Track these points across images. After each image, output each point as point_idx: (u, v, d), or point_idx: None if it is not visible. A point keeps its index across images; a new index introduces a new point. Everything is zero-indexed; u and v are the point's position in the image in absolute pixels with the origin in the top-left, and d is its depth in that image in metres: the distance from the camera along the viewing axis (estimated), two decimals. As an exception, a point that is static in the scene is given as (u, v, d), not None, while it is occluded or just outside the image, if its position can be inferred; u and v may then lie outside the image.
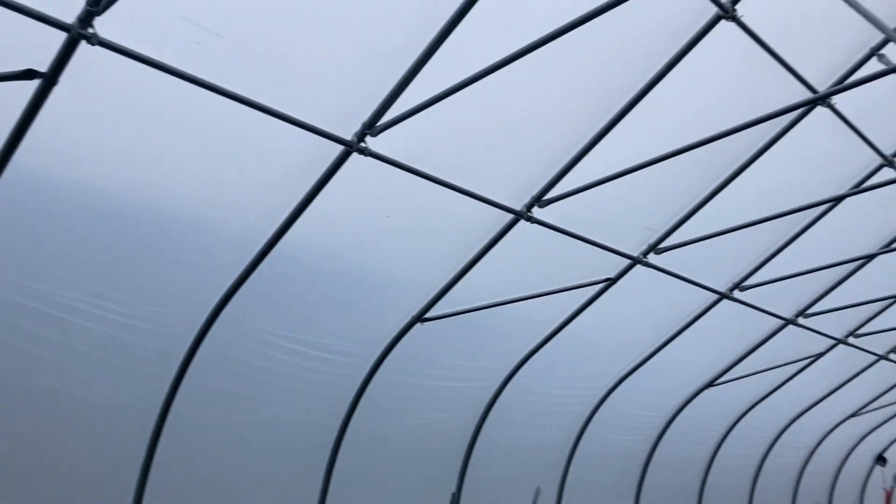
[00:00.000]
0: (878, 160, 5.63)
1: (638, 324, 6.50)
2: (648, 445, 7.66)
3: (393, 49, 3.57)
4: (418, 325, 5.14)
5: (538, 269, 5.44)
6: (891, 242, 6.84)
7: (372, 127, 3.68)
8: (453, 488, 6.16)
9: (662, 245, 5.43)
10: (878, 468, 12.00)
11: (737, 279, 6.20)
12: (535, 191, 4.60)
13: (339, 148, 3.77)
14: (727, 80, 4.63)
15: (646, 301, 6.20)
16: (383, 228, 4.50)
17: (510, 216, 4.67)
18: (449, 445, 6.26)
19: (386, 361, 5.24)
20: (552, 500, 6.95)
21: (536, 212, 4.70)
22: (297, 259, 4.38)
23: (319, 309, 4.76)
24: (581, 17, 3.29)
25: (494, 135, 4.30)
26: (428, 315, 5.11)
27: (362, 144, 3.72)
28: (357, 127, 3.73)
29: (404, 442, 5.88)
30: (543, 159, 4.54)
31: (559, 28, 3.36)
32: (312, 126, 3.60)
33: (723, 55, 4.36)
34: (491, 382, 6.18)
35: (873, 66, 4.81)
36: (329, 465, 5.24)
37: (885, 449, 11.88)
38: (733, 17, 3.83)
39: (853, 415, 9.99)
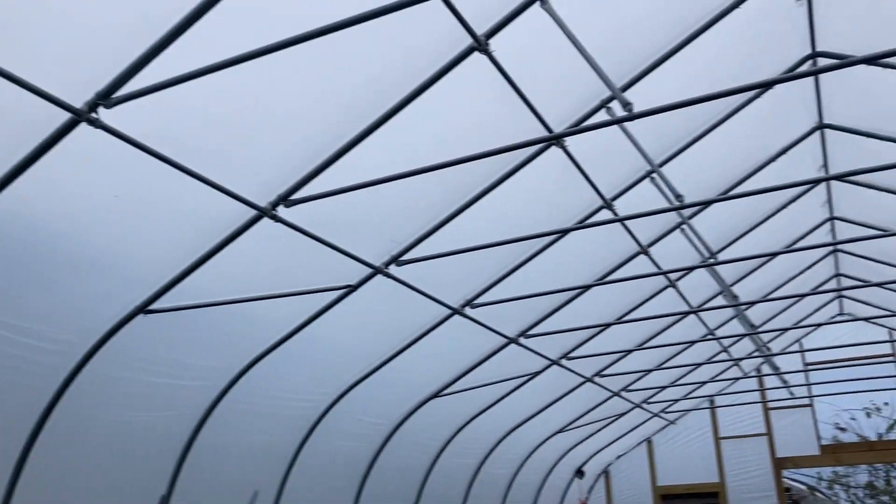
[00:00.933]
0: (600, 202, 6.24)
1: (374, 332, 6.61)
2: (372, 452, 7.81)
3: (143, 19, 3.33)
4: (141, 317, 4.82)
5: (280, 269, 5.35)
6: (604, 276, 7.61)
7: (107, 98, 3.40)
8: (163, 491, 5.83)
9: (404, 258, 5.58)
10: (576, 480, 13.26)
11: (469, 297, 6.55)
12: (282, 189, 4.52)
13: (67, 115, 3.44)
14: (477, 108, 4.88)
15: (384, 311, 6.33)
16: (112, 209, 4.16)
17: (254, 212, 4.54)
18: (166, 446, 5.92)
19: (101, 353, 4.84)
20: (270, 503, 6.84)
21: (282, 211, 4.62)
22: (4, 231, 3.92)
23: (27, 289, 4.28)
24: (343, 20, 3.29)
25: (246, 127, 4.17)
26: (153, 307, 4.81)
27: (93, 115, 3.42)
28: (91, 95, 3.43)
29: (115, 441, 5.47)
30: (295, 159, 4.48)
31: (320, 28, 3.33)
32: (38, 89, 3.25)
33: (475, 85, 4.60)
34: (218, 382, 5.95)
35: (602, 116, 5.34)
36: (19, 463, 4.72)
37: (584, 463, 13.16)
38: (486, 51, 4.05)
39: (560, 431, 10.94)
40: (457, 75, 4.41)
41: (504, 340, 7.53)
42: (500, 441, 9.83)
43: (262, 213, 4.50)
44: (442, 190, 5.39)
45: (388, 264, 5.57)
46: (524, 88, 4.58)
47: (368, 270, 5.55)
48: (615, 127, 5.37)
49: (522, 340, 7.66)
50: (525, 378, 8.68)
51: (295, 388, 6.57)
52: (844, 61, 5.80)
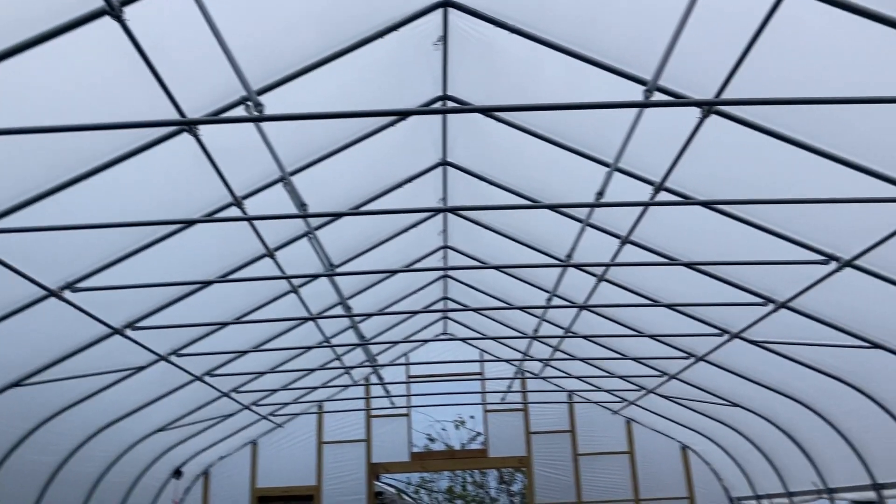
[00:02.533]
0: (230, 198, 6.13)
1: (-54, 307, 5.72)
2: (-75, 445, 6.71)
3: None
4: None
5: None
6: (227, 274, 7.47)
7: None
8: None
9: (-7, 227, 4.91)
10: (173, 481, 12.75)
11: (70, 279, 5.98)
12: None
13: None
14: (106, 77, 4.51)
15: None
16: None
17: None
18: None
19: None
20: None
21: None
22: None
23: None
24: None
25: None
26: None
27: None
28: None
29: None
30: None
31: None
32: None
33: (106, 52, 4.25)
34: None
35: (241, 113, 5.27)
36: None
37: (184, 463, 12.72)
38: (119, 18, 3.76)
39: (162, 429, 10.46)
40: (85, 37, 4.03)
41: (108, 330, 7.00)
42: (90, 437, 9.08)
43: None
44: (53, 157, 4.86)
45: (-29, 231, 4.85)
46: (161, 68, 4.34)
47: (-56, 235, 4.79)
48: (254, 127, 5.33)
49: (129, 332, 7.19)
50: (128, 372, 8.15)
51: None
52: (465, 107, 6.51)
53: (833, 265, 6.08)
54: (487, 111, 5.75)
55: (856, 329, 7.34)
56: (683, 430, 13.68)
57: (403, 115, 6.39)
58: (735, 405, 11.14)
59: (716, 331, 8.60)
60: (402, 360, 14.66)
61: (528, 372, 14.27)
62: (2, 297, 5.85)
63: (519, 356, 13.22)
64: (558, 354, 11.61)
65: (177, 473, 12.68)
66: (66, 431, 8.62)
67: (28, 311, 6.01)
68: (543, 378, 14.06)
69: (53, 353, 6.98)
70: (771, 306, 7.30)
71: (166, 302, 7.26)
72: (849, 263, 5.98)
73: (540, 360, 12.27)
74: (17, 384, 6.87)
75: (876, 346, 7.33)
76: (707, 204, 6.08)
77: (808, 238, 6.08)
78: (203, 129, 5.08)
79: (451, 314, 13.67)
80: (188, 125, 4.74)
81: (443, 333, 14.70)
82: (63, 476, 9.10)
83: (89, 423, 8.92)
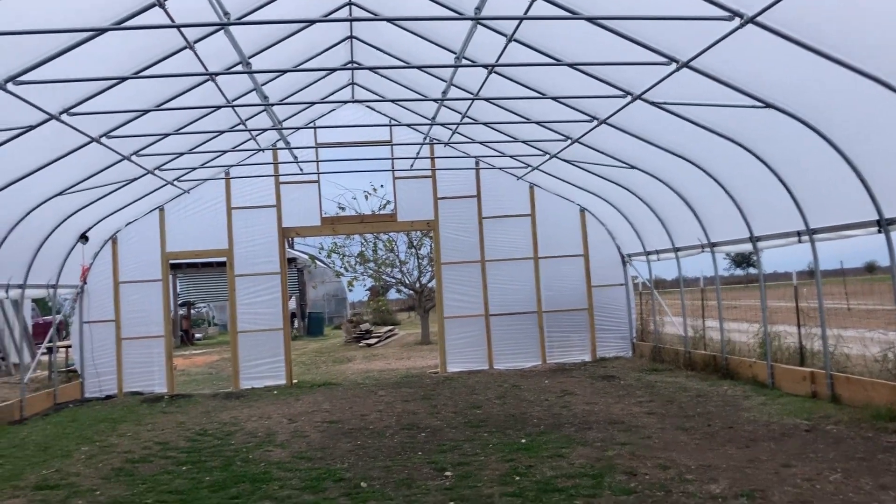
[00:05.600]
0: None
1: None
2: None
3: None
4: None
5: None
6: (124, 21, 6.89)
7: None
8: None
9: None
10: (80, 246, 12.68)
11: (-63, 23, 5.47)
12: None
13: None
14: None
15: None
16: None
17: None
18: None
19: None
20: None
21: None
22: None
23: None
24: None
25: None
26: None
27: None
28: None
29: None
30: None
31: None
32: None
33: None
34: None
35: None
36: None
37: (89, 228, 12.60)
38: None
39: (61, 193, 10.21)
40: None
41: (-12, 85, 6.55)
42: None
43: None
44: None
45: None
46: None
47: None
48: None
49: (12, 87, 6.75)
50: (16, 132, 7.76)
51: None
52: None
53: (737, 21, 6.14)
54: None
55: (752, 90, 7.60)
56: (582, 193, 14.31)
57: None
58: (633, 167, 11.63)
59: (619, 92, 8.74)
60: (311, 126, 14.40)
61: (435, 139, 14.35)
62: None
63: (427, 123, 13.19)
64: (465, 121, 11.64)
65: (83, 238, 12.59)
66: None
67: None
68: (451, 145, 14.19)
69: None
70: (674, 66, 7.42)
71: (54, 53, 6.74)
72: (752, 20, 6.05)
73: (446, 125, 12.31)
74: None
75: (769, 105, 7.66)
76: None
77: (715, -8, 6.06)
78: None
79: (359, 81, 13.33)
80: None
81: (351, 100, 14.40)
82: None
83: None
